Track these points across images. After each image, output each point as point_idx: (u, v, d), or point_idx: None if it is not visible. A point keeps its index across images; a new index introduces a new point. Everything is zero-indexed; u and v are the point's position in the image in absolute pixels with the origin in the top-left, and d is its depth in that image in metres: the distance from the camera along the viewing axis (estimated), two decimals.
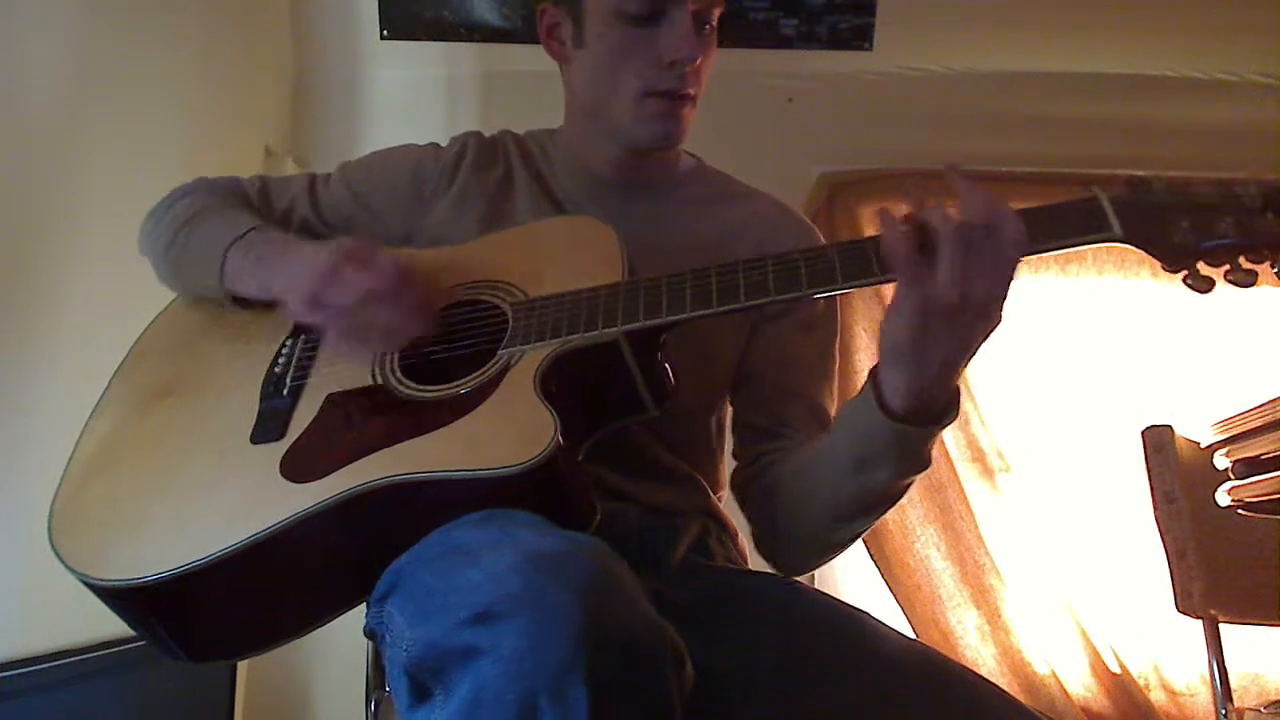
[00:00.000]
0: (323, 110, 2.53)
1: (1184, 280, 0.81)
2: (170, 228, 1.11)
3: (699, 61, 1.06)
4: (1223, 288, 0.81)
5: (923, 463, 0.92)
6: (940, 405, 0.88)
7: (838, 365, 1.18)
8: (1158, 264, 0.82)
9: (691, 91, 1.08)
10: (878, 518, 0.99)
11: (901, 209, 0.86)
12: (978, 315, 0.81)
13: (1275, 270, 0.80)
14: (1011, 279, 0.81)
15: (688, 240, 1.13)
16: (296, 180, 1.20)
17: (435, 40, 2.52)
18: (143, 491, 0.93)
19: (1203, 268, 0.81)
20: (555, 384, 0.88)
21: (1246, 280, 0.80)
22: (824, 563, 1.08)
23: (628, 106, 1.08)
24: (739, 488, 1.13)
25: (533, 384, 0.87)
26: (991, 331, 0.83)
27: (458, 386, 0.92)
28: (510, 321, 0.96)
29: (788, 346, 1.14)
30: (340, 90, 2.55)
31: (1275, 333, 2.45)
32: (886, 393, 0.87)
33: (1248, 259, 0.80)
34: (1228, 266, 0.81)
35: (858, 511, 0.98)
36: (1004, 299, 0.81)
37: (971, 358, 0.85)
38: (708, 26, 1.09)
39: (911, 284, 0.81)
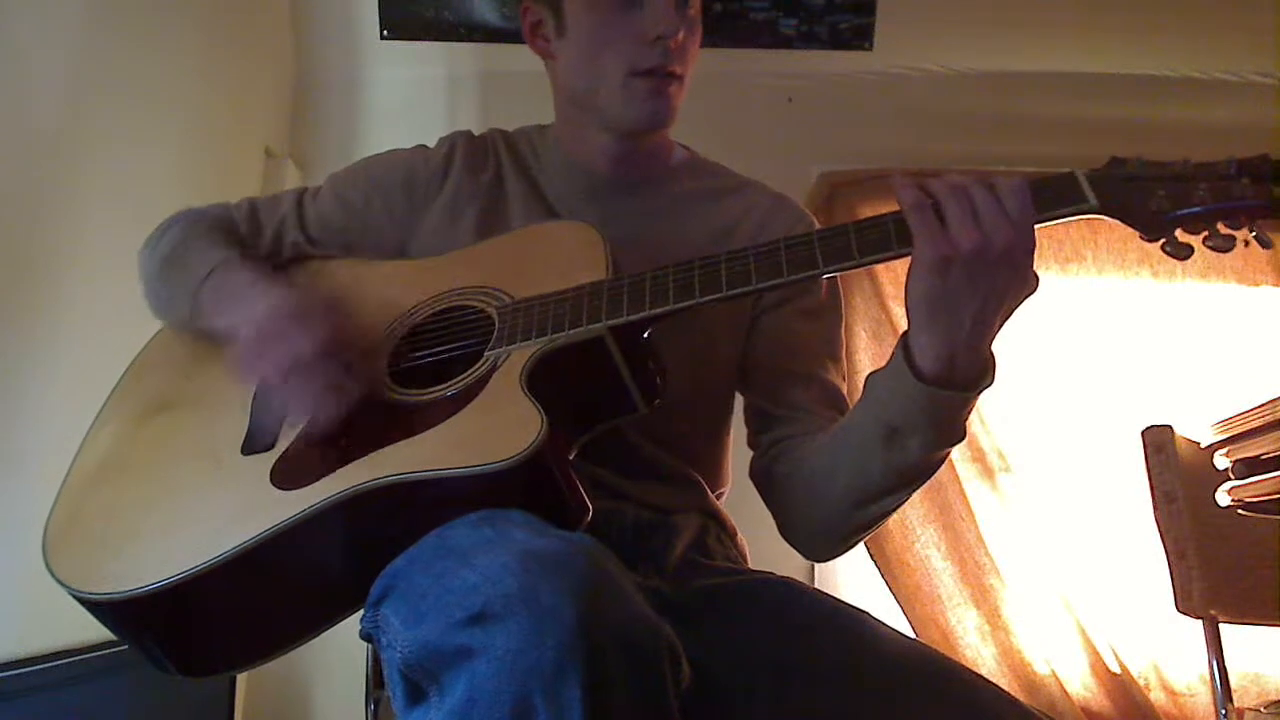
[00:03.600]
0: (323, 110, 2.54)
1: (1163, 248, 0.82)
2: (156, 262, 1.12)
3: (682, 36, 1.06)
4: (1211, 267, 0.82)
5: (957, 433, 0.91)
6: (974, 370, 0.86)
7: (844, 350, 1.17)
8: (1139, 236, 0.82)
9: (678, 70, 1.07)
10: (907, 495, 0.97)
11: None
12: (1000, 267, 0.81)
13: (1253, 235, 0.80)
14: (1031, 231, 0.81)
15: (683, 236, 1.13)
16: (285, 199, 1.20)
17: (435, 40, 2.53)
18: (136, 506, 0.93)
19: (1180, 235, 0.81)
20: (542, 382, 0.88)
21: (1225, 245, 0.80)
22: (850, 547, 1.06)
23: (615, 89, 1.07)
24: (757, 476, 1.11)
25: (519, 382, 0.87)
26: (1026, 294, 0.83)
27: (445, 389, 0.92)
28: (496, 324, 0.96)
29: (792, 333, 1.13)
30: (340, 90, 2.55)
31: (1275, 333, 2.45)
32: (917, 356, 0.86)
33: (1225, 225, 0.80)
34: (1206, 233, 0.81)
35: (887, 488, 0.96)
36: (1028, 253, 0.81)
37: (1005, 320, 0.84)
38: (690, 9, 1.09)
39: (926, 234, 0.81)
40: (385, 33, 2.51)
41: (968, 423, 0.91)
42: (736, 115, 2.42)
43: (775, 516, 1.10)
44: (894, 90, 2.58)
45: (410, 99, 2.55)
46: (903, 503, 0.98)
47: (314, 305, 0.98)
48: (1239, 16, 2.41)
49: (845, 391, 1.14)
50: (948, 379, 0.86)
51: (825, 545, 1.07)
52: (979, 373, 0.87)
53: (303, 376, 0.92)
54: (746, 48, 2.53)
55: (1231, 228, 0.80)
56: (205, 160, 2.03)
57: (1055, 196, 0.82)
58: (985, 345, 0.86)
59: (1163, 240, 0.81)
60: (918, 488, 0.97)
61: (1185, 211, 0.80)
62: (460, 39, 2.52)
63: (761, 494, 1.11)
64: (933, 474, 0.95)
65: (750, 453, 1.14)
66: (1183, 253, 0.81)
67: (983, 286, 0.81)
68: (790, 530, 1.08)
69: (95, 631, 0.89)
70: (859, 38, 2.53)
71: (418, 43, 2.53)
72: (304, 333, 0.94)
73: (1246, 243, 0.81)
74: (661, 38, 1.05)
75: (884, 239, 0.85)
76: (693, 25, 1.09)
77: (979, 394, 0.88)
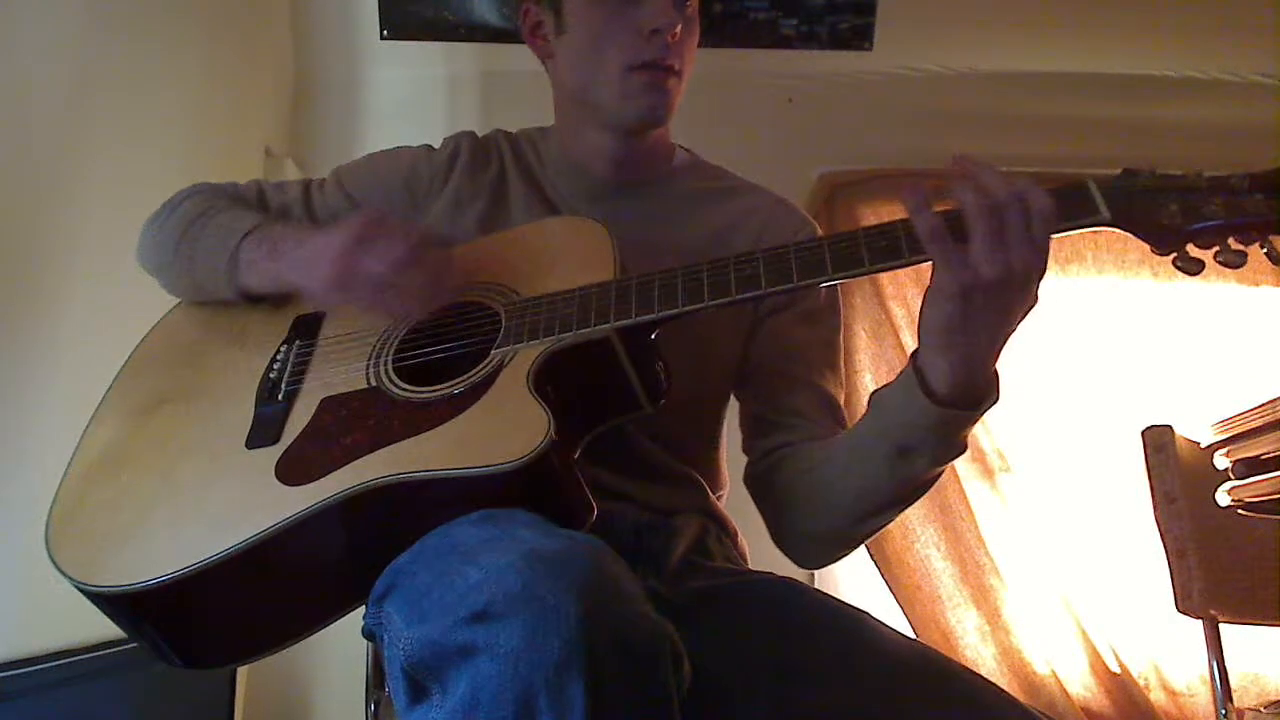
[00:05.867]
0: (323, 110, 2.54)
1: (1174, 263, 0.81)
2: (179, 227, 1.10)
3: (679, 29, 1.06)
4: (1213, 269, 0.81)
5: (960, 448, 0.92)
6: (983, 388, 0.87)
7: (843, 357, 1.17)
8: (1148, 248, 0.82)
9: (675, 64, 1.08)
10: (905, 508, 0.98)
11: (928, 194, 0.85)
12: (1018, 290, 0.80)
13: (1264, 251, 0.80)
14: (1047, 252, 0.80)
15: (684, 237, 1.13)
16: (291, 186, 1.20)
17: (435, 40, 2.52)
18: (139, 499, 0.93)
19: (1192, 250, 0.81)
20: (549, 382, 0.88)
21: (1236, 261, 0.80)
22: (844, 555, 1.07)
23: (613, 84, 1.08)
24: (752, 482, 1.12)
25: (526, 382, 0.87)
26: (1029, 311, 0.83)
27: (451, 387, 0.92)
28: (503, 322, 0.96)
29: (791, 338, 1.13)
30: (340, 90, 2.55)
31: (1275, 333, 2.45)
32: (930, 377, 0.86)
33: (1236, 240, 0.80)
34: (1217, 248, 0.81)
35: (889, 502, 0.97)
36: (1043, 274, 0.81)
37: (1009, 337, 0.84)
38: (688, 7, 1.09)
39: (948, 265, 0.80)
40: (385, 33, 2.51)
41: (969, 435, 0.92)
42: (736, 115, 2.42)
43: (769, 523, 1.10)
44: (894, 90, 2.58)
45: (410, 99, 2.55)
46: (898, 515, 1.00)
47: (393, 216, 0.99)
48: (1239, 16, 2.41)
49: (842, 400, 1.14)
50: (959, 398, 0.86)
51: (821, 554, 1.08)
52: (986, 389, 0.87)
53: (412, 267, 0.93)
54: (746, 48, 2.53)
55: (1243, 243, 0.80)
56: (205, 160, 2.02)
57: (1069, 208, 0.82)
58: (993, 365, 0.86)
59: (1174, 255, 0.81)
60: (917, 500, 0.98)
61: (1198, 226, 0.80)
62: (460, 39, 2.52)
63: (756, 500, 1.11)
64: (930, 488, 0.96)
65: (743, 456, 1.14)
66: (1193, 267, 0.81)
67: (999, 308, 0.81)
68: (784, 538, 1.09)
69: (95, 631, 0.89)
70: (859, 38, 2.53)
71: (418, 43, 2.53)
72: (401, 230, 0.95)
73: (1264, 251, 0.81)
74: (658, 31, 1.05)
75: (894, 247, 0.85)
76: (690, 23, 1.10)
77: (986, 411, 0.88)
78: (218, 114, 2.13)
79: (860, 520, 1.00)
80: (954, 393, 0.86)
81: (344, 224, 0.98)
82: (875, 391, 0.94)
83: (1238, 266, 0.80)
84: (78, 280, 1.61)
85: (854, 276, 0.87)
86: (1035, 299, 0.83)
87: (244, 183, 1.21)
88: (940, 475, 0.96)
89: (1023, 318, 0.84)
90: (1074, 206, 0.82)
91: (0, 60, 1.49)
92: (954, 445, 0.91)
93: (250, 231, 1.05)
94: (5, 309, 1.50)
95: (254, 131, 2.34)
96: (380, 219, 0.97)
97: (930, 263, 0.83)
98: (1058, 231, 0.82)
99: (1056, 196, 0.82)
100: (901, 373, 0.90)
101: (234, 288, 1.06)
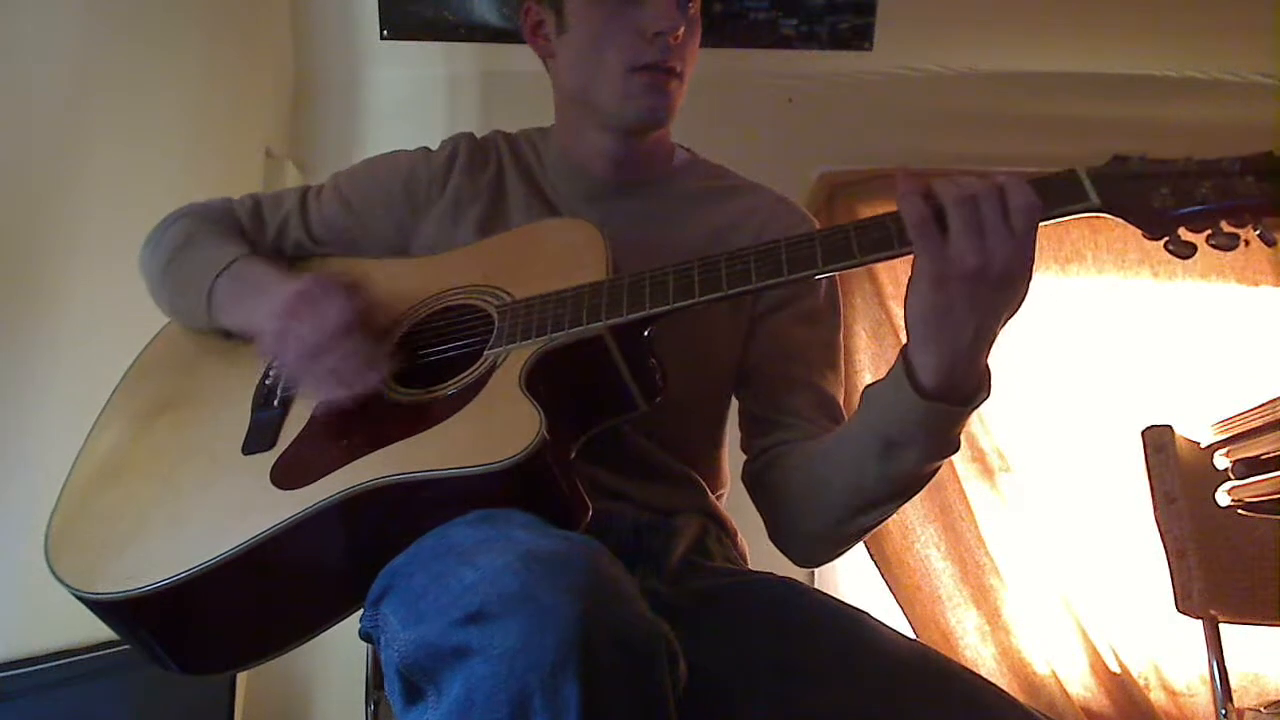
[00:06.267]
0: (323, 111, 2.54)
1: (1166, 247, 0.81)
2: (166, 254, 1.12)
3: (681, 32, 1.06)
4: (1213, 269, 0.81)
5: (952, 446, 0.91)
6: (972, 384, 0.87)
7: (843, 357, 1.17)
8: (1143, 238, 0.81)
9: (677, 66, 1.07)
10: (899, 505, 0.98)
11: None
12: (1000, 285, 0.80)
13: (1257, 233, 0.80)
14: (1032, 249, 0.80)
15: (684, 237, 1.13)
16: (289, 197, 1.20)
17: (435, 40, 2.53)
18: (137, 505, 0.94)
19: (1184, 234, 0.81)
20: (542, 382, 0.88)
21: (1229, 244, 0.80)
22: (841, 553, 1.07)
23: (614, 85, 1.07)
24: (749, 481, 1.12)
25: (518, 382, 0.87)
26: (1016, 309, 0.83)
27: (445, 388, 0.92)
28: (497, 323, 0.96)
29: (790, 338, 1.13)
30: (340, 90, 2.55)
31: (1275, 333, 2.45)
32: (918, 371, 0.86)
33: (1229, 223, 0.80)
34: (1209, 231, 0.80)
35: (881, 498, 0.97)
36: (1028, 271, 0.81)
37: (996, 334, 0.84)
38: (691, 8, 1.09)
39: (926, 251, 0.81)
40: (385, 33, 2.51)
41: (962, 433, 0.92)
42: (736, 115, 2.42)
43: (765, 521, 1.10)
44: (894, 90, 2.58)
45: (410, 99, 2.55)
46: (893, 512, 0.99)
47: (336, 288, 0.99)
48: (1239, 16, 2.41)
49: (842, 399, 1.14)
50: (947, 393, 0.86)
51: (815, 552, 1.08)
52: (976, 386, 0.87)
53: (327, 353, 0.93)
54: (746, 48, 2.53)
55: (1235, 225, 0.80)
56: (205, 161, 2.03)
57: (1058, 195, 0.82)
58: (983, 359, 0.86)
59: (1166, 239, 0.81)
60: (910, 498, 0.98)
61: (1189, 209, 0.80)
62: (460, 39, 2.52)
63: (753, 498, 1.11)
64: (925, 485, 0.96)
65: (743, 455, 1.14)
66: (1186, 251, 0.81)
67: (982, 303, 0.81)
68: (780, 535, 1.09)
69: (95, 631, 0.89)
70: (859, 38, 2.53)
71: (418, 43, 2.53)
72: (330, 310, 0.95)
73: (1248, 241, 0.81)
74: (661, 33, 1.05)
75: (884, 238, 0.85)
76: (693, 24, 1.10)
77: (976, 407, 0.88)
78: (218, 114, 2.13)
79: (852, 516, 0.99)
80: (942, 388, 0.86)
81: (294, 283, 1.00)
82: (868, 386, 0.94)
83: (1230, 249, 0.80)
84: (78, 280, 1.61)
85: (845, 268, 0.87)
86: (1022, 298, 0.83)
87: (240, 197, 1.21)
88: (935, 472, 0.95)
89: (1010, 317, 0.84)
90: (1064, 193, 0.82)
91: (0, 60, 1.49)
92: (945, 442, 0.91)
93: (225, 270, 1.07)
94: (5, 309, 1.50)
95: (254, 132, 2.34)
96: (325, 283, 0.98)
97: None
98: (1048, 219, 0.81)
99: (1046, 184, 0.82)
100: (892, 367, 0.90)
101: (211, 325, 1.08)
